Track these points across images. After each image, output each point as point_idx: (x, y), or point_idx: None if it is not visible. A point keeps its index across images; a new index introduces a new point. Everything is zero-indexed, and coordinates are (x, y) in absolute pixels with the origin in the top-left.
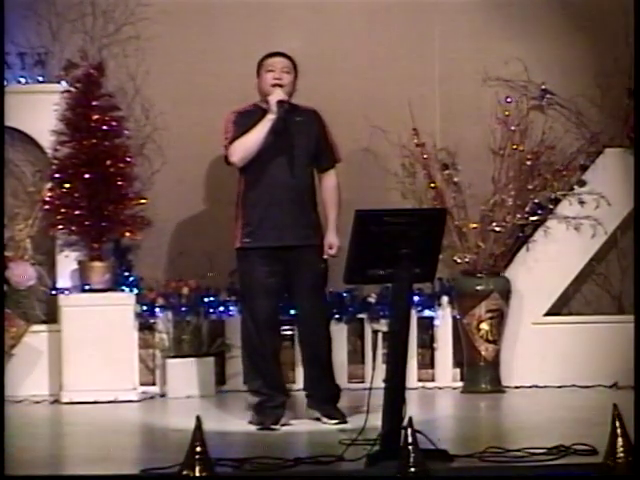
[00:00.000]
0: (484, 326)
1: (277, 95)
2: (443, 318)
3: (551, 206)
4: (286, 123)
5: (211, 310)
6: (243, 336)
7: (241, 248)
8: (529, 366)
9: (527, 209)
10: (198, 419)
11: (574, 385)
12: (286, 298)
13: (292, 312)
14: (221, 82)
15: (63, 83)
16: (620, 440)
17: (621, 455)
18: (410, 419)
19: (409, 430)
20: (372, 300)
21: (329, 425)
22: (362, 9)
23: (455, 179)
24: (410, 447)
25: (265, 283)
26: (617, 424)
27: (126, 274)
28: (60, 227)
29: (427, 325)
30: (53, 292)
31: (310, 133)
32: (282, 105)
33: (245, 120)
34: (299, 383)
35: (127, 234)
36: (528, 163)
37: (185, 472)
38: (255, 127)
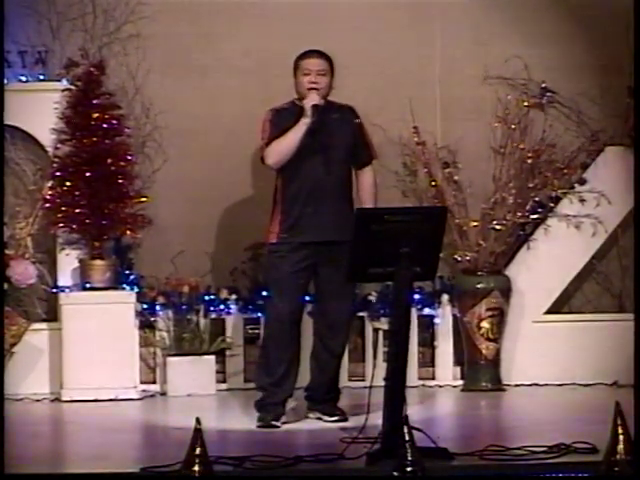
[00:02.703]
0: (484, 324)
1: (311, 100)
2: (443, 316)
3: (552, 204)
4: (322, 121)
5: (212, 308)
6: (266, 330)
7: (277, 243)
8: (529, 364)
9: (528, 207)
10: (198, 421)
11: (574, 383)
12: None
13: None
14: (221, 80)
15: (64, 81)
16: (621, 438)
17: (622, 453)
18: (406, 417)
19: (405, 428)
20: (373, 298)
21: (329, 423)
22: (362, 9)
23: (456, 177)
24: (407, 445)
25: (295, 278)
26: (619, 422)
27: (127, 272)
28: (61, 225)
29: (427, 323)
30: (54, 290)
31: (346, 130)
32: (316, 109)
33: (282, 119)
34: (299, 382)
35: (128, 232)
36: (529, 161)
37: (185, 471)
38: (290, 130)
